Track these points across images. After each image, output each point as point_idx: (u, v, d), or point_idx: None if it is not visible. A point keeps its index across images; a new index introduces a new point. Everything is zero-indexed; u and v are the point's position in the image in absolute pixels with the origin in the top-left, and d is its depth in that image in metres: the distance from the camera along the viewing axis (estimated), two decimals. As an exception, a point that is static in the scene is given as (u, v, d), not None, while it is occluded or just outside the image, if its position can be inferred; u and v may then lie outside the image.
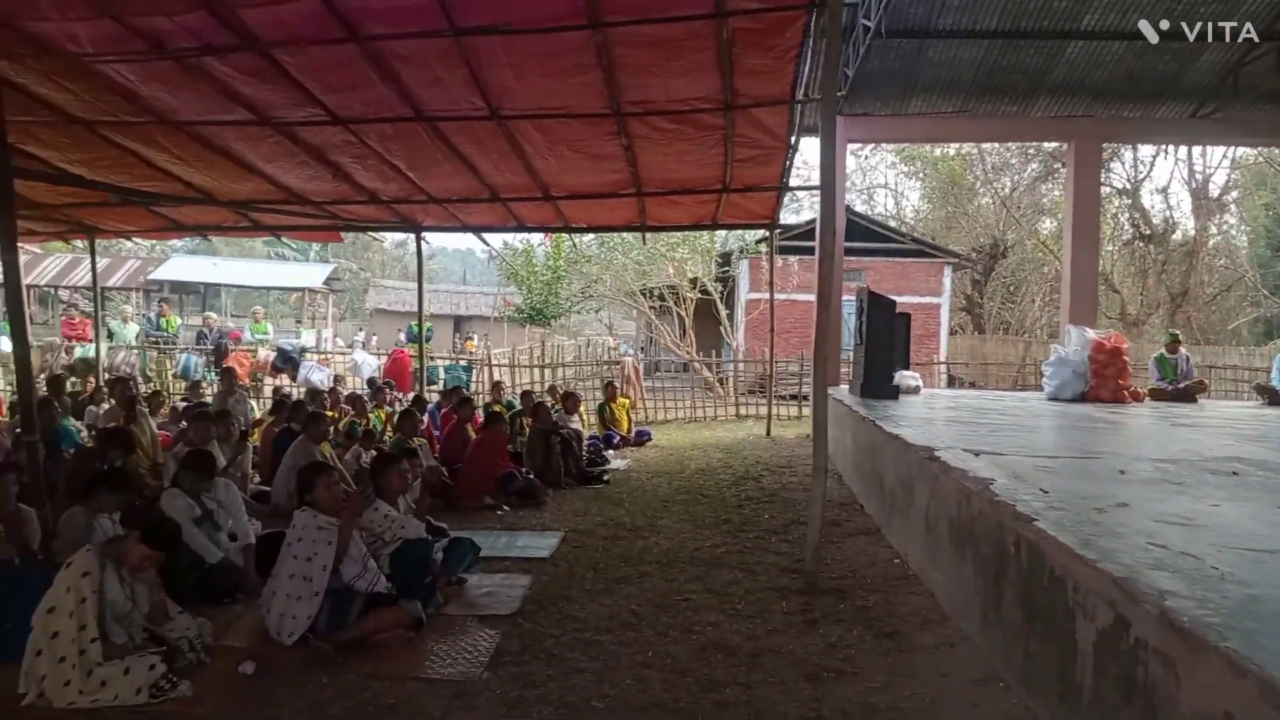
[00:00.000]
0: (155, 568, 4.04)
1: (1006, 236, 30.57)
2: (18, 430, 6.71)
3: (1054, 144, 24.60)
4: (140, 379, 13.41)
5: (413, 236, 12.24)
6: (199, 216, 11.02)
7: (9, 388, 12.84)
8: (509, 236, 25.78)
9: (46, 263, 26.52)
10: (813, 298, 7.98)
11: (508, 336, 29.32)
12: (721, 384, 17.64)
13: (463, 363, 17.03)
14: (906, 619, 4.55)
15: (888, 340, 9.17)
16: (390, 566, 4.72)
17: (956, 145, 28.65)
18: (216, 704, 3.69)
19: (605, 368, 15.94)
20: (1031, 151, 29.23)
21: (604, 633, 4.44)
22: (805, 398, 15.59)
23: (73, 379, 12.56)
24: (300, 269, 33.84)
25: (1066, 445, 6.24)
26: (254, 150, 8.02)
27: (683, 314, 20.57)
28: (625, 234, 18.59)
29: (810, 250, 16.92)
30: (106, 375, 12.10)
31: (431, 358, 16.23)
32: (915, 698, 3.60)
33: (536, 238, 24.38)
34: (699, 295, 20.33)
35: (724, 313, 21.35)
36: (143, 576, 4.01)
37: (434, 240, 53.88)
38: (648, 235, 15.32)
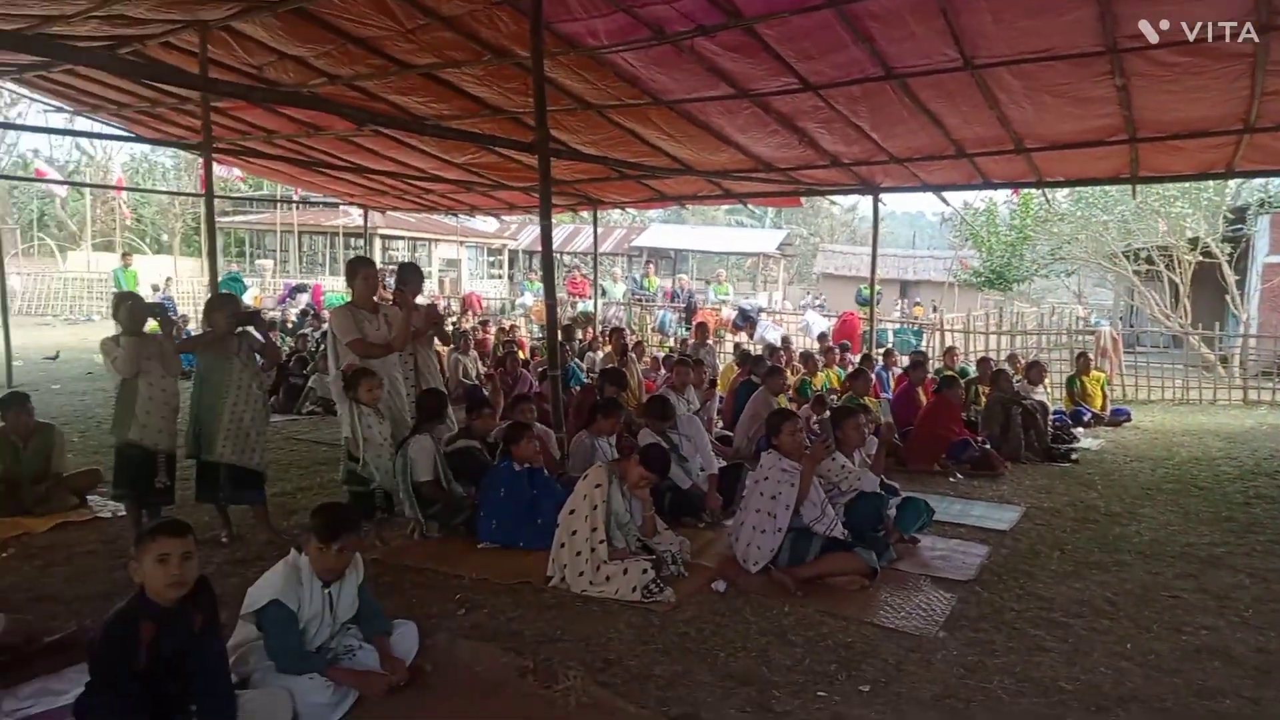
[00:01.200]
0: (649, 488, 4.71)
1: None
2: (541, 367, 8.19)
3: None
4: (627, 330, 15.42)
5: (866, 201, 12.23)
6: (679, 187, 12.24)
7: (531, 334, 15.70)
8: (969, 196, 24.43)
9: (554, 231, 31.34)
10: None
11: (959, 302, 27.94)
12: (1224, 363, 14.88)
13: (913, 327, 16.69)
14: None
15: None
16: (845, 515, 4.90)
17: None
18: (694, 611, 4.20)
19: (1075, 337, 14.42)
20: None
21: (1073, 616, 4.14)
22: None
23: (578, 331, 14.93)
24: (756, 235, 35.82)
25: None
26: (731, 122, 8.66)
27: (1176, 279, 17.66)
28: (1109, 188, 16.44)
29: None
30: (602, 326, 14.14)
31: (880, 321, 16.16)
32: None
33: (1000, 195, 22.73)
34: (1198, 258, 17.25)
35: (1231, 279, 17.79)
36: (638, 494, 4.70)
37: (860, 208, 52.89)
38: (1138, 188, 13.39)
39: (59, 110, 11.95)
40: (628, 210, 14.92)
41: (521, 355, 11.52)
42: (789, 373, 10.40)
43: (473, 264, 32.64)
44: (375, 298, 5.81)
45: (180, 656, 2.77)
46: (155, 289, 15.88)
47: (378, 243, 25.42)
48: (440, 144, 10.64)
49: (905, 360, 10.47)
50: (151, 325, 5.24)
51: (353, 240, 27.70)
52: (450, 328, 10.85)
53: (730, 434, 8.25)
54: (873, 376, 9.31)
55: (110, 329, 5.21)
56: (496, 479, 5.21)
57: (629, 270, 33.88)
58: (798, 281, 43.01)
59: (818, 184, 11.50)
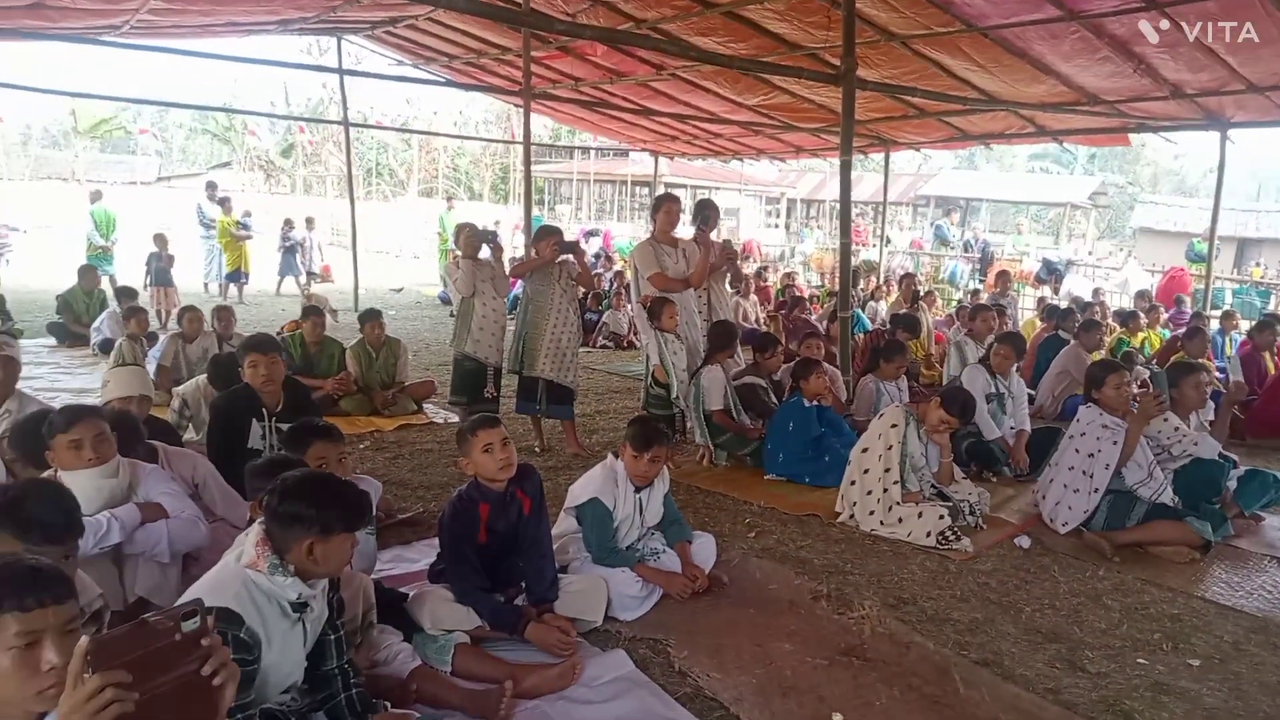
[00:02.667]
0: (948, 432, 4.53)
1: None
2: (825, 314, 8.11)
3: None
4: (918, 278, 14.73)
5: (1196, 147, 10.59)
6: (984, 125, 11.37)
7: (809, 283, 15.53)
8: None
9: (835, 180, 30.48)
10: None
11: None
12: None
13: (1259, 288, 14.38)
14: None
15: None
16: (1175, 482, 4.41)
17: None
18: (994, 564, 4.02)
19: None
20: None
21: None
22: None
23: (860, 279, 14.54)
24: (1063, 183, 32.47)
25: None
26: (1054, 49, 7.88)
27: None
28: None
29: None
30: (885, 275, 13.65)
31: (1217, 280, 14.12)
32: None
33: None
34: None
35: None
36: (937, 439, 4.54)
37: (1189, 153, 45.39)
38: None
39: (399, 64, 13.47)
40: (923, 151, 14.08)
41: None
42: (1106, 328, 9.45)
43: (750, 213, 32.73)
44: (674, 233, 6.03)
45: (512, 535, 3.15)
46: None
47: (662, 190, 26.28)
48: (734, 86, 10.71)
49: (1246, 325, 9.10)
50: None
51: (639, 188, 28.85)
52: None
53: (1032, 393, 7.68)
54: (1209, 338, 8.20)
55: (430, 268, 5.89)
56: (786, 413, 5.27)
57: (912, 220, 32.28)
58: (1108, 236, 38.58)
59: (1151, 118, 10.18)
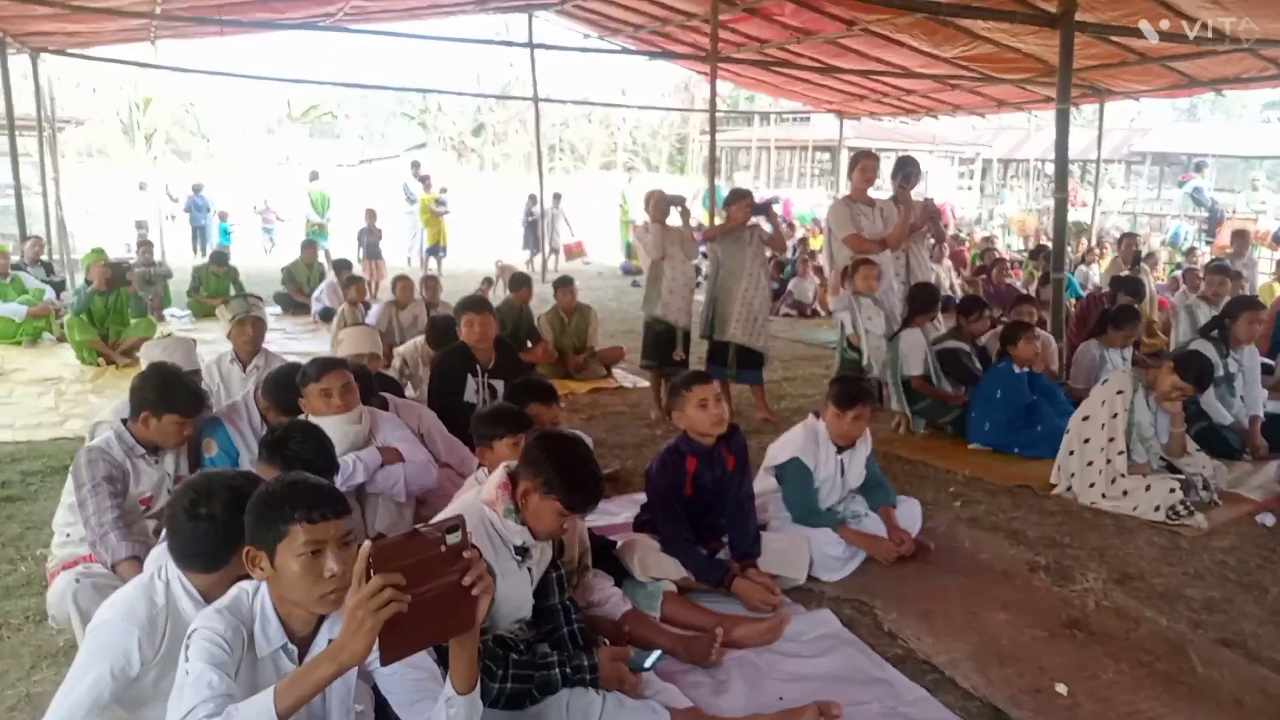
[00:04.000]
0: (1181, 400, 4.16)
1: None
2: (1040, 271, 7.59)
3: None
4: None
5: None
6: (1216, 69, 10.14)
7: (1009, 247, 14.57)
8: None
9: (1038, 136, 28.43)
10: None
11: None
12: None
13: None
14: None
15: None
16: None
17: None
18: (1233, 541, 3.69)
19: None
20: None
21: None
22: None
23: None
24: (1308, 131, 28.60)
25: None
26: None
27: None
28: None
29: None
30: (1098, 238, 12.61)
31: None
32: None
33: None
34: None
35: None
36: (1169, 407, 4.18)
37: None
38: None
39: (586, 36, 13.75)
40: (1142, 100, 12.80)
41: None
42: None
43: (942, 174, 31.09)
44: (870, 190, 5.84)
45: (717, 490, 3.19)
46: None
47: (844, 154, 25.46)
48: (931, 38, 10.15)
49: None
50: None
51: (820, 154, 28.08)
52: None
53: (1271, 363, 6.89)
54: None
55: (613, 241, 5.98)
56: (994, 379, 5.02)
57: (1125, 179, 29.55)
58: (1364, 190, 33.66)
59: None
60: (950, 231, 14.24)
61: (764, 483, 3.63)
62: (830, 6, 9.79)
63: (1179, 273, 9.46)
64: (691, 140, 37.96)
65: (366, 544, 1.45)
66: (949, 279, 10.44)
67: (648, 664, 2.43)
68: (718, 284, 5.56)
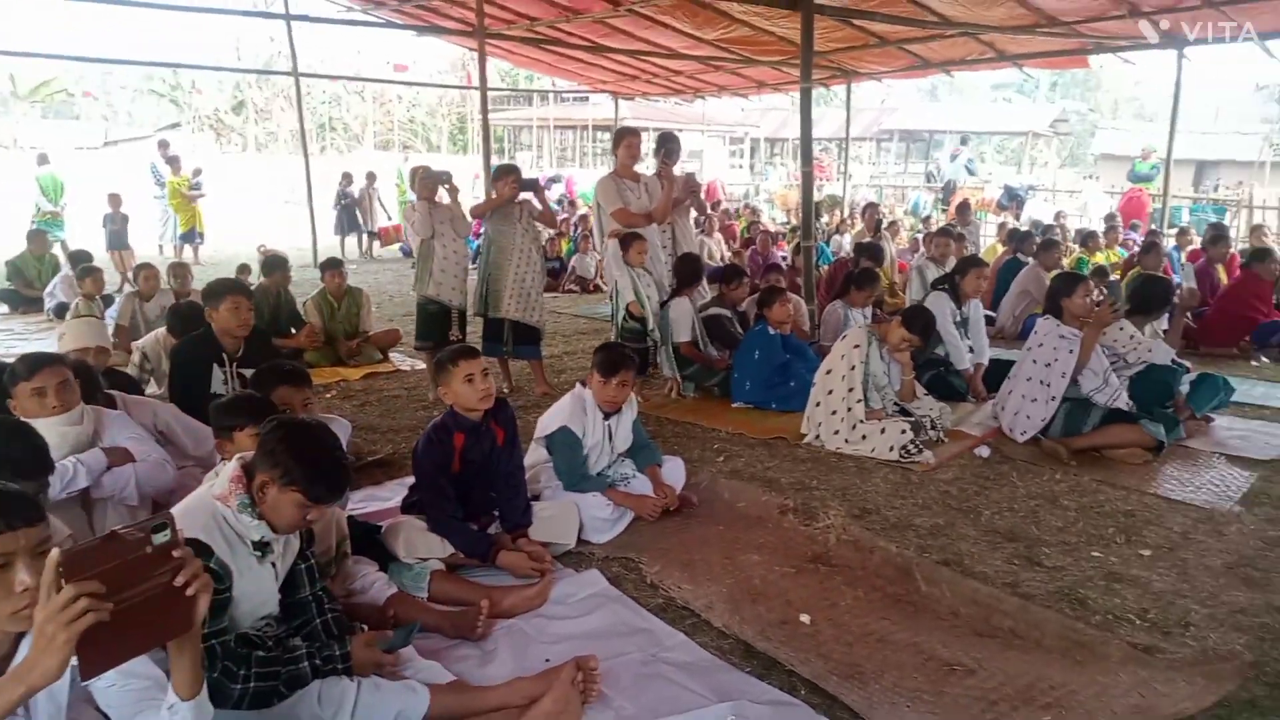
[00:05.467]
0: (909, 351, 4.61)
1: None
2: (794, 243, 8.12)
3: None
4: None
5: (1155, 72, 10.60)
6: (945, 53, 11.29)
7: (774, 220, 15.53)
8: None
9: (796, 116, 30.25)
10: None
11: (1270, 184, 23.98)
12: None
13: (1213, 204, 14.62)
14: None
15: None
16: (1131, 388, 4.54)
17: None
18: (955, 473, 4.15)
19: None
20: None
21: None
22: None
23: (823, 215, 14.55)
24: (1024, 112, 32.50)
25: None
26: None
27: None
28: None
29: None
30: (849, 210, 13.68)
31: (1174, 198, 14.31)
32: None
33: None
34: None
35: None
36: (899, 357, 4.62)
37: (1148, 79, 45.34)
38: None
39: (349, 9, 13.06)
40: (880, 82, 13.98)
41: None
42: (1064, 251, 9.59)
43: (714, 154, 32.47)
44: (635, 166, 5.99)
45: (486, 465, 3.18)
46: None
47: (624, 133, 25.98)
48: (693, 20, 10.53)
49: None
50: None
51: (600, 133, 28.47)
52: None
53: (993, 314, 7.81)
54: (1165, 253, 8.36)
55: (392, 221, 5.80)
56: (752, 341, 5.33)
57: (875, 155, 32.23)
58: (1070, 164, 38.80)
59: (1109, 38, 10.18)
60: (723, 207, 14.92)
61: (535, 454, 3.66)
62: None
63: (919, 237, 10.44)
64: (472, 119, 37.09)
65: (55, 552, 1.32)
66: (719, 251, 10.97)
67: (402, 642, 2.39)
68: (490, 261, 5.50)
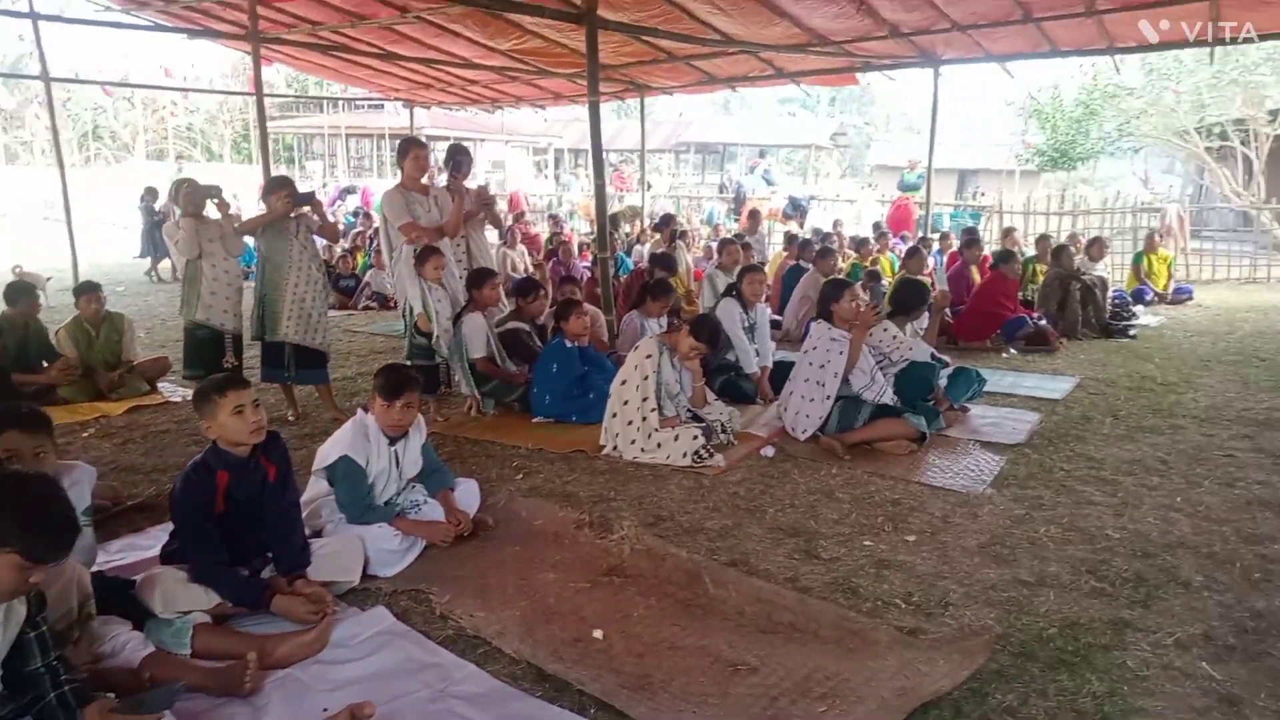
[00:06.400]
0: (699, 360, 4.76)
1: None
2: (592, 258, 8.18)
3: None
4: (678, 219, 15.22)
5: (924, 89, 11.64)
6: (730, 69, 11.81)
7: (578, 231, 15.66)
8: (1033, 78, 23.23)
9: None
10: None
11: (1019, 189, 26.98)
12: (1300, 241, 14.26)
13: (970, 210, 16.24)
14: None
15: None
16: (896, 384, 4.92)
17: None
18: (744, 474, 4.31)
19: (1139, 216, 13.89)
20: None
21: (1124, 474, 4.16)
22: None
23: (624, 224, 14.82)
24: (807, 126, 34.70)
25: None
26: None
27: (1250, 155, 16.76)
28: (1181, 59, 15.49)
29: None
30: (649, 220, 14.01)
31: (936, 206, 15.74)
32: None
33: (1067, 69, 21.56)
34: (1278, 130, 16.31)
35: (1314, 152, 16.86)
36: (689, 365, 4.76)
37: (915, 95, 50.07)
38: (1217, 55, 12.55)
39: (107, 9, 11.91)
40: (672, 96, 14.46)
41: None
42: (840, 257, 10.27)
43: (518, 164, 32.39)
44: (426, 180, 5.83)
45: (255, 504, 2.96)
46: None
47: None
48: (484, 29, 10.40)
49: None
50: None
51: (397, 142, 27.62)
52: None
53: (779, 319, 8.25)
54: (929, 256, 9.17)
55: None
56: (549, 355, 5.31)
57: (675, 167, 33.31)
58: (850, 174, 41.85)
59: (874, 57, 11.04)
60: (515, 215, 14.87)
61: (315, 487, 3.46)
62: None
63: (712, 245, 10.84)
64: (256, 126, 35.01)
65: None
66: (523, 263, 10.90)
67: (159, 706, 2.17)
68: (265, 280, 5.16)
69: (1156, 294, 10.14)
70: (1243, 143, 17.00)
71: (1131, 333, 7.94)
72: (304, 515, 3.30)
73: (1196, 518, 3.60)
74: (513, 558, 3.35)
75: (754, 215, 10.57)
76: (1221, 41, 9.55)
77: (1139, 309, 9.17)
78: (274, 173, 9.63)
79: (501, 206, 18.53)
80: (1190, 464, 4.28)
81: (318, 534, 3.32)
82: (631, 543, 3.40)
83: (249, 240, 5.84)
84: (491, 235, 11.46)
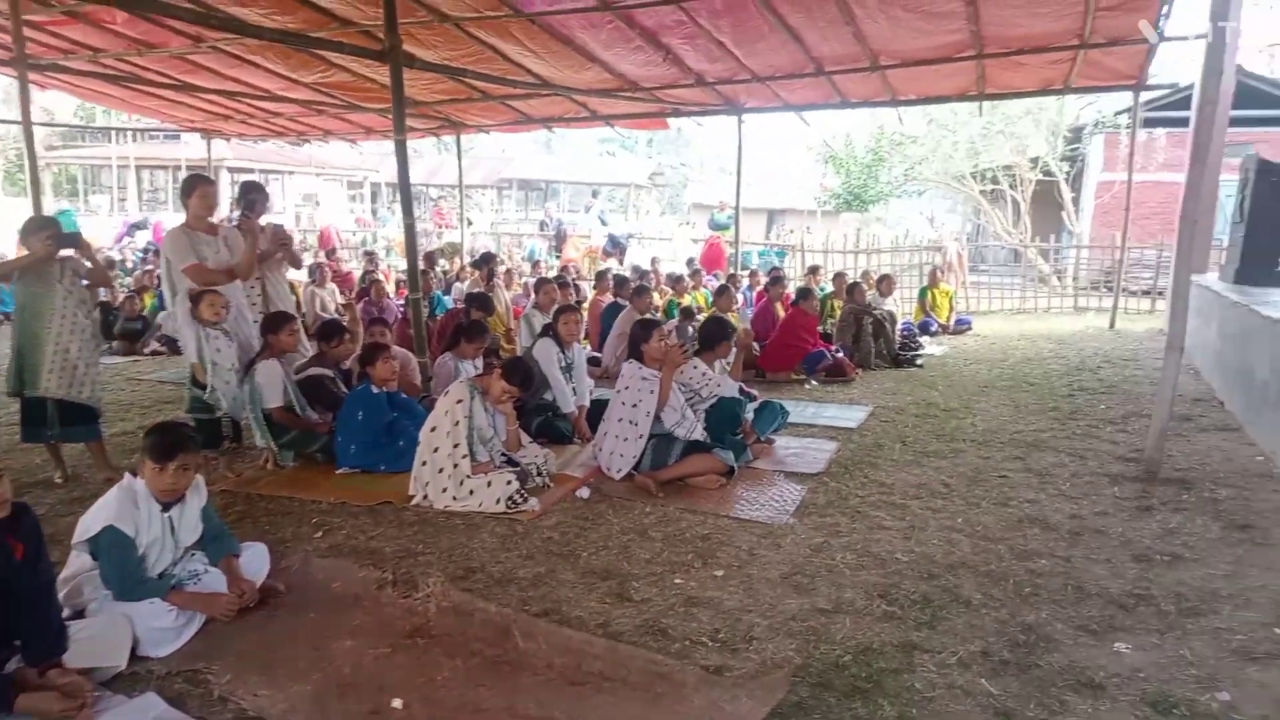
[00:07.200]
0: (513, 403, 4.69)
1: None
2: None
3: None
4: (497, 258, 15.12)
5: (734, 127, 12.21)
6: (545, 109, 11.92)
7: (394, 268, 15.19)
8: (833, 122, 24.99)
9: (418, 163, 30.33)
10: (1181, 179, 6.77)
11: (822, 228, 28.85)
12: (1059, 275, 16.03)
13: (776, 249, 17.16)
14: (1266, 515, 4.02)
15: (1275, 217, 7.67)
16: (706, 420, 5.05)
17: None
18: (559, 518, 4.26)
19: (924, 254, 15.17)
20: None
21: (911, 499, 4.44)
22: (1162, 293, 13.65)
23: (442, 260, 14.54)
24: (627, 165, 35.57)
25: None
26: (595, 38, 8.46)
27: (1018, 197, 18.77)
28: (958, 110, 17.14)
29: (1182, 122, 14.41)
30: (469, 257, 13.82)
31: (745, 244, 16.50)
32: (1269, 589, 3.21)
33: (858, 120, 23.39)
34: (1039, 177, 18.35)
35: (1068, 196, 19.08)
36: (502, 408, 4.68)
37: (750, 137, 53.04)
38: (985, 108, 13.99)
39: None
40: (491, 134, 14.39)
41: (388, 286, 11.16)
42: (657, 294, 10.52)
43: (332, 198, 31.15)
44: (216, 219, 5.46)
45: (1, 587, 2.61)
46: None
47: (225, 175, 23.84)
48: (286, 61, 9.96)
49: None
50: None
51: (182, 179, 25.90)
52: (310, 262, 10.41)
53: (598, 355, 8.31)
54: (738, 294, 9.55)
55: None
56: (354, 402, 5.07)
57: (497, 202, 33.15)
58: (670, 212, 43.18)
59: (683, 104, 11.48)
60: (326, 251, 14.27)
61: (76, 563, 3.10)
62: (169, 20, 8.94)
63: (531, 282, 10.81)
64: (38, 156, 31.74)
65: None
66: (333, 302, 10.44)
67: None
68: (23, 330, 4.62)
69: (940, 325, 11.06)
70: (1011, 186, 18.98)
71: (919, 362, 8.59)
72: (63, 594, 2.96)
73: (975, 537, 3.89)
74: (306, 626, 3.12)
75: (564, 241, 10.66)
76: (988, 97, 10.65)
77: (925, 339, 9.96)
78: (50, 208, 8.75)
79: (312, 243, 17.72)
80: (970, 486, 4.63)
81: (79, 614, 2.97)
82: (438, 600, 3.26)
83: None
84: (299, 275, 10.95)
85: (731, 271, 11.89)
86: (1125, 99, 11.70)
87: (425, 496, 4.43)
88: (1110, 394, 6.98)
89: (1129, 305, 13.18)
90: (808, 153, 31.64)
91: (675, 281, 10.58)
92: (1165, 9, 7.78)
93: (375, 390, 5.06)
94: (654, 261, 13.02)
